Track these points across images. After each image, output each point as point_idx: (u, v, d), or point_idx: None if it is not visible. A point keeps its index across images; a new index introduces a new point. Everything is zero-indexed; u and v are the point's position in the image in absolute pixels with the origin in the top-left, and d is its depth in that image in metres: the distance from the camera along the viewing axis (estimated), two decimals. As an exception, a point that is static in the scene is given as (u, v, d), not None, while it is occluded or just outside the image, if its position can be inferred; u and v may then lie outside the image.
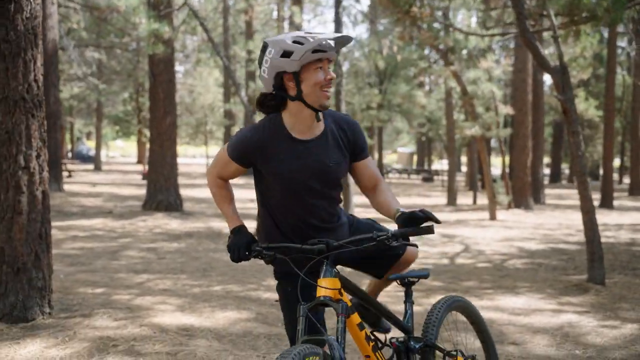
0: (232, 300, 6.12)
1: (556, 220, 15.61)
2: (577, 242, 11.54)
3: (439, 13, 17.74)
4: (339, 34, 2.51)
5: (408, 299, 3.00)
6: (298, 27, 23.94)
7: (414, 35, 13.13)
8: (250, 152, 2.58)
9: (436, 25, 12.13)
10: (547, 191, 26.63)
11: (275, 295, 2.85)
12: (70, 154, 47.01)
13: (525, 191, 18.43)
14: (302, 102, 2.51)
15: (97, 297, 6.03)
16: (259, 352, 4.48)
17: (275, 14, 26.86)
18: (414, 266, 3.11)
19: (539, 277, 7.99)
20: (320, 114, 2.57)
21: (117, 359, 4.21)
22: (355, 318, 2.58)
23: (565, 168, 44.82)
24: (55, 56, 18.09)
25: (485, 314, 5.82)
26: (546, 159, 43.93)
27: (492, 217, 15.34)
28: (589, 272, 7.30)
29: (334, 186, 2.69)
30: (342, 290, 2.51)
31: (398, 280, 2.93)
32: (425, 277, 2.98)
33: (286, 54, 2.43)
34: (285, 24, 23.59)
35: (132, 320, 5.17)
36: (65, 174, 27.18)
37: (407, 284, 2.97)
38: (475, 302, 6.30)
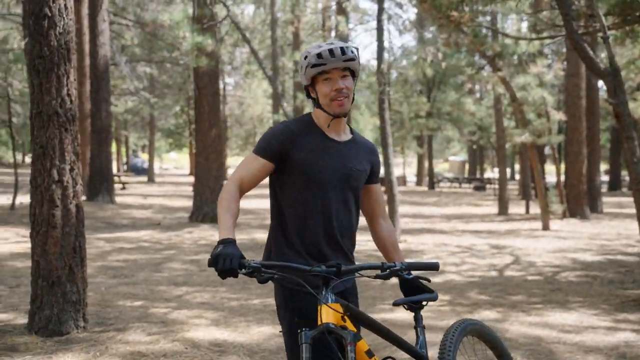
0: (268, 314, 6.00)
1: (614, 230, 14.95)
2: (637, 254, 10.97)
3: (487, 18, 17.43)
4: (343, 44, 2.52)
5: (418, 324, 2.75)
6: (343, 36, 23.87)
7: (460, 42, 12.81)
8: (282, 141, 2.55)
9: (481, 30, 11.82)
10: (605, 199, 25.63)
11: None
12: (125, 167, 48.19)
13: (580, 200, 17.75)
14: (321, 109, 2.59)
15: (134, 310, 6.00)
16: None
17: (320, 23, 26.88)
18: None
19: (593, 291, 7.58)
20: (349, 127, 2.71)
21: (145, 376, 4.13)
22: (363, 345, 2.38)
23: (625, 175, 43.19)
24: (107, 72, 18.48)
25: (532, 331, 5.54)
26: (605, 166, 42.54)
27: (545, 227, 14.80)
28: (647, 285, 6.88)
29: (354, 194, 2.67)
30: (346, 317, 2.35)
31: (405, 305, 2.67)
32: (434, 299, 2.71)
33: (299, 68, 2.59)
34: (332, 34, 23.53)
35: (165, 335, 5.10)
36: (119, 186, 27.84)
37: (416, 308, 2.72)
38: (523, 318, 6.02)
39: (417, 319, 2.73)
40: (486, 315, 6.12)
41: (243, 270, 2.23)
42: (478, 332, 2.96)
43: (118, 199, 20.45)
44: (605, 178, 38.37)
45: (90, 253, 9.87)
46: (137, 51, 30.67)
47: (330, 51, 2.46)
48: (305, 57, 2.51)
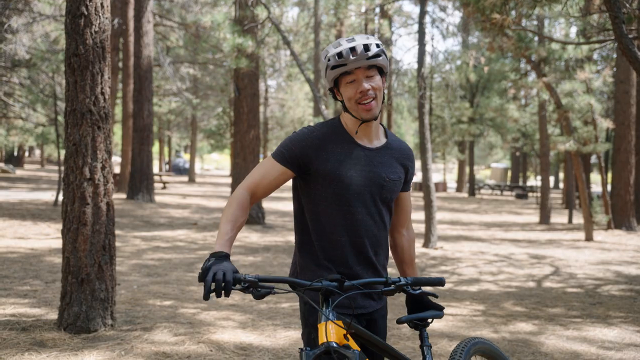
0: (297, 319, 5.92)
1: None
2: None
3: (533, 22, 17.05)
4: (365, 39, 2.25)
5: (424, 343, 2.51)
6: (386, 41, 23.72)
7: (504, 46, 12.54)
8: (304, 147, 2.32)
9: (527, 34, 11.55)
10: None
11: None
12: (167, 167, 48.89)
13: (627, 210, 17.18)
14: (349, 113, 2.36)
15: (163, 310, 5.99)
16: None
17: (363, 26, 26.76)
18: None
19: (637, 306, 7.26)
20: (378, 120, 2.42)
21: (168, 377, 4.08)
22: None
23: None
24: (150, 72, 18.74)
25: (570, 346, 5.32)
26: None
27: (589, 238, 14.36)
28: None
29: (386, 206, 2.44)
30: (349, 335, 2.14)
31: (409, 323, 2.45)
32: (439, 316, 2.50)
33: (321, 69, 2.36)
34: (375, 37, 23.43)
35: (192, 336, 5.06)
36: (159, 185, 28.24)
37: (421, 326, 2.49)
38: (560, 332, 5.80)
39: (423, 337, 2.50)
40: (521, 328, 5.91)
41: (238, 285, 1.99)
42: (486, 352, 2.77)
43: (158, 198, 20.71)
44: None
45: (126, 251, 10.00)
46: (182, 52, 31.08)
47: (352, 49, 2.20)
48: (326, 58, 2.26)
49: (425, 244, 12.06)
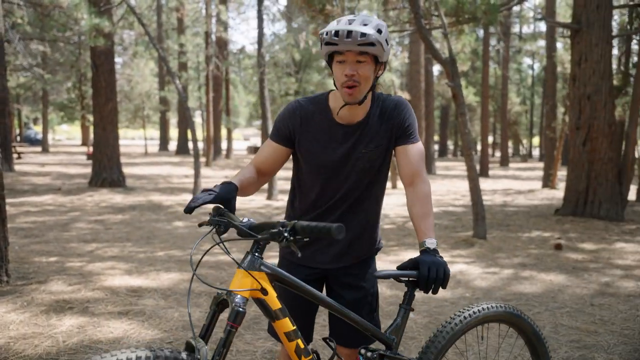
0: (174, 264, 5.95)
1: (445, 188, 16.15)
2: (462, 205, 11.98)
3: (354, 14, 17.80)
4: (367, 24, 1.85)
5: (406, 303, 1.92)
6: (224, 24, 23.32)
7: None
8: (292, 125, 2.04)
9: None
10: (437, 164, 27.50)
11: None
12: (18, 138, 44.20)
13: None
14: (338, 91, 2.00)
15: (51, 265, 5.71)
16: (201, 308, 4.38)
17: (204, 11, 26.04)
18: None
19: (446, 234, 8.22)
20: (369, 99, 2.02)
21: (73, 319, 4.00)
22: (285, 324, 1.69)
23: (450, 144, 46.38)
24: (1, 48, 16.76)
25: (388, 267, 5.96)
26: (436, 137, 45.30)
27: (394, 186, 15.67)
28: (474, 229, 7.60)
29: (368, 176, 2.07)
30: (269, 288, 1.64)
31: (403, 278, 1.86)
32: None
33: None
34: (213, 21, 22.88)
35: (85, 284, 4.93)
36: (15, 155, 25.58)
37: (413, 284, 1.90)
38: (384, 258, 6.42)
39: (409, 295, 1.92)
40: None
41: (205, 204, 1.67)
42: (507, 320, 2.14)
43: (16, 167, 18.89)
44: (437, 147, 40.99)
45: (-2, 216, 9.15)
46: (28, 29, 27.97)
47: (349, 33, 1.81)
48: (325, 31, 1.88)
49: (269, 197, 12.41)
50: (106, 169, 13.91)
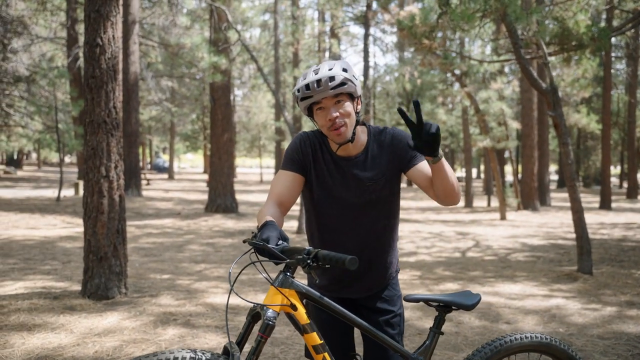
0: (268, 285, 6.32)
1: (558, 220, 15.36)
2: (574, 239, 11.36)
3: (457, 41, 17.77)
4: (330, 69, 1.99)
5: (436, 327, 2.08)
6: (336, 57, 24.18)
7: (433, 62, 13.16)
8: (304, 154, 2.14)
9: (451, 53, 12.17)
10: (554, 195, 26.14)
11: None
12: (149, 166, 48.40)
13: (532, 195, 18.19)
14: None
15: (163, 282, 6.34)
16: (290, 327, 4.67)
17: (317, 45, 27.19)
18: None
19: (536, 268, 7.96)
20: (364, 132, 2.15)
21: (176, 330, 4.47)
22: (313, 338, 1.79)
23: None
24: (136, 85, 18.74)
25: (485, 298, 5.89)
26: (554, 167, 42.96)
27: (502, 218, 15.20)
28: (579, 263, 7.27)
29: (376, 208, 2.13)
30: (299, 306, 1.75)
31: (434, 303, 2.07)
32: (470, 307, 2.05)
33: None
34: (326, 54, 23.85)
35: (190, 300, 5.44)
36: (144, 182, 28.11)
37: (443, 309, 2.08)
38: (478, 289, 6.37)
39: (438, 320, 2.09)
40: (449, 287, 6.49)
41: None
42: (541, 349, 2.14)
43: (144, 193, 20.75)
44: (555, 177, 38.80)
45: (125, 237, 10.23)
46: (160, 67, 30.93)
47: (318, 82, 1.94)
48: (296, 89, 2.01)
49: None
50: (220, 195, 14.93)
